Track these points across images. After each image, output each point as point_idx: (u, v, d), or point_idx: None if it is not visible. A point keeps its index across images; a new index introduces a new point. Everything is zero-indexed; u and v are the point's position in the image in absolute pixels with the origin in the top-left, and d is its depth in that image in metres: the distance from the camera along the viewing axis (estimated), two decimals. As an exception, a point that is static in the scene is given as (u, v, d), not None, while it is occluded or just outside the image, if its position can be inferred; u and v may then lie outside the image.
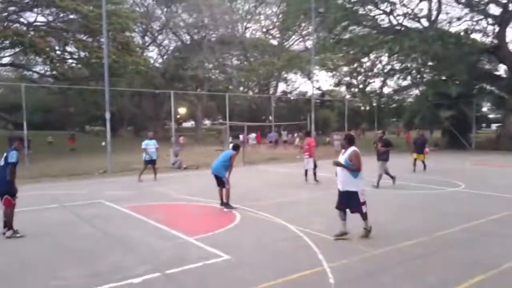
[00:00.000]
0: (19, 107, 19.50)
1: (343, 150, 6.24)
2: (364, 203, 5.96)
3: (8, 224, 6.45)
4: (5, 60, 30.22)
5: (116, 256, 5.48)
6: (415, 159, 14.89)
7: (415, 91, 37.58)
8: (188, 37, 44.01)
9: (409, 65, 32.34)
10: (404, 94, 40.72)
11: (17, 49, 25.48)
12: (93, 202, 9.60)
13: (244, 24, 46.81)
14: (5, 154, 6.49)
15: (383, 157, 11.39)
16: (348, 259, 5.21)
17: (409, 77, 35.47)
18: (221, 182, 8.72)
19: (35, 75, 34.08)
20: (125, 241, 6.23)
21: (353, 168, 5.88)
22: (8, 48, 25.42)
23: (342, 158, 6.05)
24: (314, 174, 12.17)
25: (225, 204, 8.59)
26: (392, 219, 7.58)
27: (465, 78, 27.39)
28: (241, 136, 27.21)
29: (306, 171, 12.30)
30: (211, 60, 42.00)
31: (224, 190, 8.64)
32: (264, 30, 47.88)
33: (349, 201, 5.99)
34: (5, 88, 42.82)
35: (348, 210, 6.10)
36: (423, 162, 14.85)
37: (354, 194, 5.93)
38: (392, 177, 11.56)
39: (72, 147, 28.59)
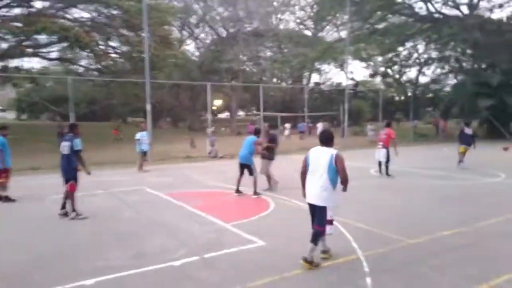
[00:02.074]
0: (66, 99, 20.53)
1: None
2: None
3: (74, 207, 7.02)
4: (53, 55, 31.61)
5: (158, 240, 5.76)
6: (463, 152, 13.32)
7: (453, 81, 36.15)
8: (223, 30, 44.38)
9: (447, 53, 31.08)
10: (441, 83, 39.29)
11: (64, 44, 26.63)
12: (136, 189, 10.07)
13: (278, 16, 46.50)
14: (67, 143, 6.94)
15: (269, 156, 9.56)
16: (383, 248, 5.20)
17: (447, 66, 34.04)
18: (248, 169, 8.88)
19: (81, 69, 35.53)
20: (165, 226, 6.53)
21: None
22: (55, 43, 26.66)
23: None
24: (386, 167, 11.32)
25: (254, 192, 8.80)
26: (429, 209, 7.43)
27: (506, 67, 26.03)
28: (249, 127, 27.15)
29: (379, 163, 11.53)
30: (245, 52, 42.15)
31: (252, 177, 8.83)
32: (298, 21, 47.31)
33: None
34: (53, 81, 45.34)
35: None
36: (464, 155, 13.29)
37: None
38: (274, 182, 9.61)
39: (116, 137, 29.88)
